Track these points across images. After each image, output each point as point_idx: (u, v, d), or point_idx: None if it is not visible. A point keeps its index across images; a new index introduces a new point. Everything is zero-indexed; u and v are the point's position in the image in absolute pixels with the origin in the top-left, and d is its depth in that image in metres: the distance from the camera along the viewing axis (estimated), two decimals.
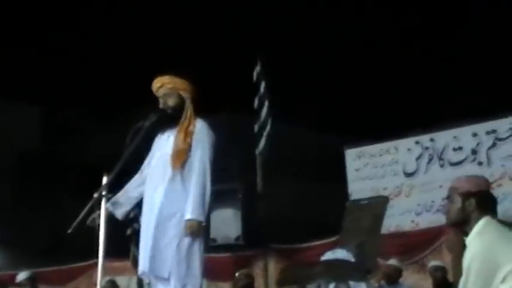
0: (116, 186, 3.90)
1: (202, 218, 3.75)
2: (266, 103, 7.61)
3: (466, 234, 2.63)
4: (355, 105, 12.12)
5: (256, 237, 7.46)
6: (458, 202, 2.65)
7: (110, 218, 3.83)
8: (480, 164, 7.76)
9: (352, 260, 3.76)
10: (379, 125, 10.27)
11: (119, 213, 3.93)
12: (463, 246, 2.66)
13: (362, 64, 11.97)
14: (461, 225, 2.67)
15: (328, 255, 3.77)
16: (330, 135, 10.90)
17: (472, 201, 2.61)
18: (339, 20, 11.37)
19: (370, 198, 6.54)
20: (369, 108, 12.07)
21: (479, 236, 2.56)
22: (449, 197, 2.72)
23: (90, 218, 3.75)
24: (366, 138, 8.91)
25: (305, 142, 11.49)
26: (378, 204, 5.31)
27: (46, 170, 12.18)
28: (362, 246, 5.20)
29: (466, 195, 2.63)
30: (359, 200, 6.97)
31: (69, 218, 3.73)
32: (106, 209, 3.76)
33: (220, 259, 7.59)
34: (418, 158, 8.35)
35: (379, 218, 5.06)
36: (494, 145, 7.72)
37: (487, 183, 2.74)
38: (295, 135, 11.18)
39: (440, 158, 8.14)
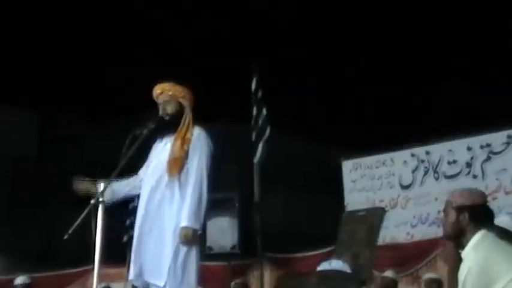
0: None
1: (197, 226, 3.74)
2: (264, 112, 7.62)
3: (463, 247, 2.64)
4: (352, 116, 12.16)
5: (252, 247, 7.44)
6: (452, 216, 2.66)
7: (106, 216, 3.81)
8: (475, 177, 7.80)
9: (348, 271, 3.76)
10: (376, 137, 10.29)
11: (108, 198, 3.88)
12: (458, 259, 2.66)
13: (360, 76, 12.03)
14: (457, 239, 2.67)
15: (324, 266, 3.76)
16: (327, 146, 10.92)
17: (466, 215, 2.62)
18: (336, 31, 11.43)
19: (366, 210, 6.55)
20: (366, 120, 12.11)
21: (476, 249, 2.57)
22: (444, 211, 2.73)
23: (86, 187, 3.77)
24: (362, 149, 8.93)
25: (302, 152, 11.50)
26: (375, 216, 5.32)
27: (41, 176, 12.15)
28: (357, 257, 5.21)
29: (459, 209, 2.64)
30: (355, 211, 6.99)
31: (65, 224, 3.72)
32: (96, 193, 3.74)
33: (216, 268, 7.56)
34: (414, 170, 8.37)
35: (375, 229, 5.07)
36: (488, 159, 7.77)
37: (482, 196, 2.73)
38: (292, 145, 11.19)
39: (436, 171, 8.17)
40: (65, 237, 3.57)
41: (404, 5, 10.76)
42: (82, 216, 3.62)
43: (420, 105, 11.83)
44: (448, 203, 2.71)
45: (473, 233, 2.60)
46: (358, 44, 11.64)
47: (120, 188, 3.96)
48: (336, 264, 3.75)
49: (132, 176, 4.04)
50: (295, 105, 11.54)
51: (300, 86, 12.06)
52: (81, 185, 3.88)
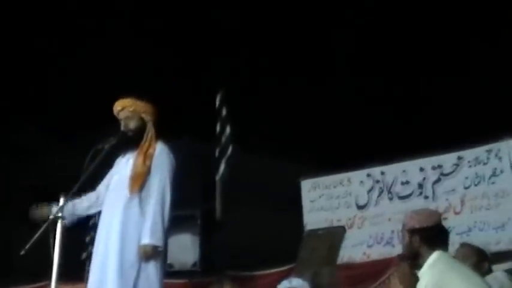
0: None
1: (159, 243, 3.71)
2: (228, 129, 7.64)
3: (420, 267, 2.72)
4: (313, 136, 12.30)
5: (213, 264, 7.40)
6: (406, 238, 2.77)
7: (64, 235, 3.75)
8: (426, 197, 7.95)
9: None
10: (335, 156, 10.42)
11: (69, 214, 3.83)
12: (415, 279, 2.74)
13: (321, 97, 12.21)
14: (413, 260, 2.76)
15: (285, 284, 3.79)
16: (288, 165, 11.00)
17: (417, 238, 2.71)
18: (299, 51, 11.60)
19: (327, 228, 6.62)
20: (326, 139, 12.26)
21: (431, 269, 2.66)
22: (402, 233, 2.83)
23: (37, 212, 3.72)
24: (322, 169, 9.01)
25: (264, 171, 11.55)
26: (335, 234, 5.39)
27: None
28: (318, 275, 5.26)
29: (411, 232, 2.74)
30: (317, 229, 7.06)
31: (22, 239, 3.64)
32: (54, 213, 3.69)
33: (176, 285, 7.46)
34: (370, 190, 8.48)
35: (335, 247, 5.13)
36: (439, 180, 7.95)
37: (434, 217, 2.81)
38: (254, 163, 11.22)
39: (390, 191, 8.32)
40: (22, 252, 3.50)
41: None
42: (40, 231, 3.56)
43: (378, 124, 12.06)
44: (402, 226, 2.83)
45: (429, 254, 2.70)
46: (319, 67, 11.82)
47: (81, 203, 3.91)
48: (296, 282, 3.78)
49: (91, 192, 3.99)
50: (258, 124, 11.61)
51: (263, 104, 12.15)
52: (37, 213, 3.80)
